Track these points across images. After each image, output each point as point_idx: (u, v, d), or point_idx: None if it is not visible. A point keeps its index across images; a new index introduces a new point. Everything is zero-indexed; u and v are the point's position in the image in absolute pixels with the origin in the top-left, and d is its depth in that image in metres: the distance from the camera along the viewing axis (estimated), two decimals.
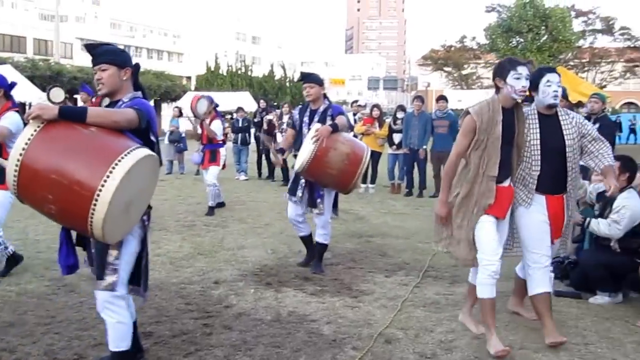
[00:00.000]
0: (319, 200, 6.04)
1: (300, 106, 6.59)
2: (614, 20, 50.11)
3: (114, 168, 2.97)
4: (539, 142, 4.28)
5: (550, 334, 4.33)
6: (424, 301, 5.31)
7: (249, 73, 46.01)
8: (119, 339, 3.52)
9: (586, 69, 49.72)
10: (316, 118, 6.15)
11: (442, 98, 12.31)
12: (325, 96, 6.32)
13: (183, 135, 16.78)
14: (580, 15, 48.99)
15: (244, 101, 26.89)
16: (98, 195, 2.93)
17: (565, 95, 8.35)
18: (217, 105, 10.00)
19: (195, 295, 5.35)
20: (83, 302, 5.01)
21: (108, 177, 2.94)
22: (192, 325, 4.60)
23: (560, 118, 4.35)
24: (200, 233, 8.05)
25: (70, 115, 3.10)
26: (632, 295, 5.51)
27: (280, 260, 6.66)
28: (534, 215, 4.34)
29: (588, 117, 8.43)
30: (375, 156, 12.32)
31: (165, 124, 22.83)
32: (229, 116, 22.50)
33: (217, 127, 9.75)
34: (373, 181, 12.57)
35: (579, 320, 4.93)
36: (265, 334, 4.45)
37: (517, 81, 4.05)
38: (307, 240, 6.48)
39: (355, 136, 12.34)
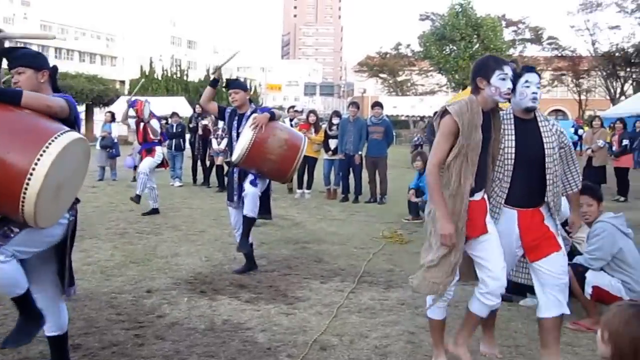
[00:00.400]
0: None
1: (229, 109, 6.60)
2: (543, 30, 52.05)
3: (49, 144, 2.97)
4: (513, 149, 3.82)
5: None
6: (359, 307, 5.32)
7: (185, 78, 45.41)
8: None
9: None
10: (244, 123, 6.29)
11: (377, 104, 12.44)
12: (250, 101, 6.53)
13: (115, 140, 16.37)
14: (510, 25, 50.60)
15: (180, 106, 26.46)
16: (33, 170, 2.90)
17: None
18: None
19: (127, 305, 5.20)
20: (7, 315, 4.80)
21: (44, 152, 2.94)
22: (122, 336, 4.46)
23: (540, 124, 3.91)
24: (133, 241, 7.85)
25: (5, 96, 3.10)
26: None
27: (215, 268, 6.55)
28: (499, 230, 3.85)
29: None
30: (311, 162, 12.35)
31: (98, 130, 22.24)
32: (164, 121, 22.09)
33: (156, 125, 10.27)
34: (309, 187, 12.58)
35: (510, 322, 5.03)
36: (198, 344, 4.36)
37: (503, 82, 3.63)
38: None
39: None
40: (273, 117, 6.10)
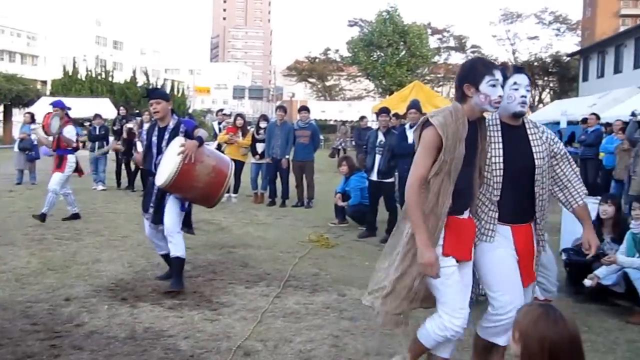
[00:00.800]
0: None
1: (148, 125, 6.35)
2: (466, 39, 53.74)
3: None
4: (502, 159, 3.43)
5: None
6: (284, 311, 5.31)
7: (110, 79, 44.23)
8: None
9: (441, 83, 52.65)
10: (166, 136, 5.88)
11: (304, 109, 12.48)
12: (173, 112, 6.05)
13: (35, 142, 15.76)
14: (435, 33, 51.94)
15: (104, 108, 25.81)
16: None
17: (419, 108, 8.78)
18: (68, 109, 9.55)
19: (43, 315, 5.01)
20: None
21: None
22: (37, 347, 4.29)
23: (528, 131, 3.53)
24: (51, 247, 7.58)
25: None
26: (480, 299, 5.80)
27: (137, 274, 6.40)
28: (500, 250, 3.46)
29: None
30: (238, 165, 12.24)
31: (16, 131, 21.38)
32: (87, 123, 21.47)
33: (70, 132, 9.40)
34: (236, 191, 12.48)
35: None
36: (118, 353, 4.25)
37: (493, 89, 3.25)
38: (168, 258, 6.24)
39: (219, 145, 12.28)
40: (202, 143, 5.66)
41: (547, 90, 51.47)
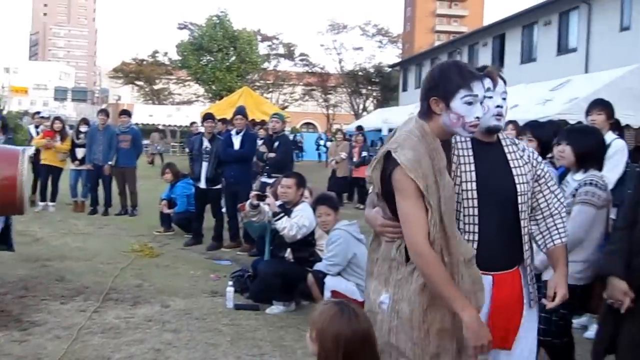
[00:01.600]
0: None
1: None
2: (295, 46, 54.92)
3: None
4: (474, 185, 2.59)
5: None
6: (103, 327, 5.04)
7: None
8: None
9: (271, 90, 53.33)
10: None
11: (124, 112, 12.01)
12: None
13: None
14: (265, 39, 52.53)
15: None
16: None
17: (245, 114, 8.81)
18: None
19: None
20: None
21: None
22: None
23: (506, 149, 2.73)
24: None
25: None
26: (304, 303, 5.94)
27: None
28: None
29: (270, 136, 9.02)
30: (56, 172, 11.55)
31: None
32: None
33: None
34: (53, 199, 11.68)
35: (256, 331, 5.14)
36: None
37: (469, 108, 2.41)
38: None
39: (37, 150, 11.46)
40: None
41: (371, 98, 54.11)
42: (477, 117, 2.43)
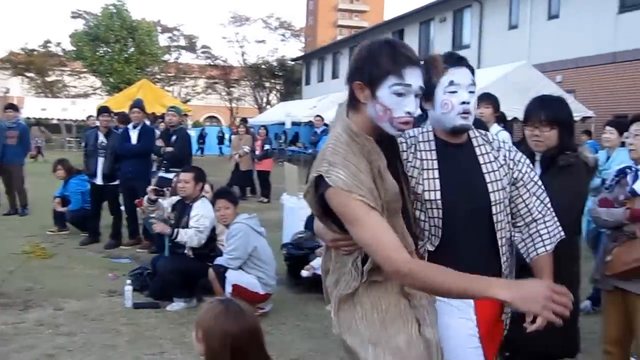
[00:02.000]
0: None
1: None
2: (197, 39, 54.02)
3: None
4: (438, 193, 2.27)
5: None
6: None
7: None
8: None
9: (172, 83, 52.17)
10: None
11: (10, 107, 11.34)
12: None
13: None
14: (166, 31, 51.38)
15: None
16: None
17: (142, 107, 8.56)
18: None
19: None
20: None
21: None
22: None
23: (477, 149, 2.37)
24: None
25: None
26: (205, 298, 5.85)
27: None
28: (459, 321, 2.29)
29: (167, 129, 8.79)
30: None
31: None
32: None
33: None
34: None
35: (156, 329, 5.02)
36: None
37: (399, 100, 1.99)
38: None
39: None
40: None
41: (274, 92, 54.08)
42: (408, 113, 2.00)
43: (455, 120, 2.29)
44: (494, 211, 2.31)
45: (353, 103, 2.07)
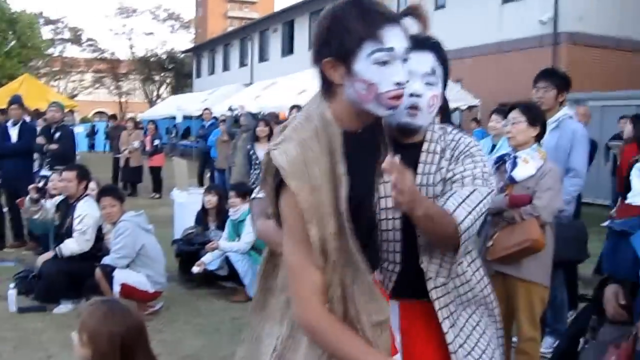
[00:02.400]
0: None
1: None
2: (82, 31, 51.85)
3: None
4: (389, 200, 1.91)
5: None
6: None
7: None
8: None
9: (58, 77, 49.90)
10: None
11: None
12: None
13: None
14: (49, 23, 49.01)
15: None
16: None
17: (20, 103, 8.23)
18: None
19: None
20: None
21: None
22: None
23: (423, 154, 1.98)
24: None
25: None
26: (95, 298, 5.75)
27: None
28: None
29: (48, 126, 8.48)
30: None
31: None
32: None
33: None
34: None
35: (43, 333, 4.91)
36: None
37: (384, 70, 1.58)
38: None
39: None
40: None
41: (165, 85, 52.87)
42: (398, 84, 1.59)
43: (400, 117, 1.90)
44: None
45: (326, 88, 1.65)
